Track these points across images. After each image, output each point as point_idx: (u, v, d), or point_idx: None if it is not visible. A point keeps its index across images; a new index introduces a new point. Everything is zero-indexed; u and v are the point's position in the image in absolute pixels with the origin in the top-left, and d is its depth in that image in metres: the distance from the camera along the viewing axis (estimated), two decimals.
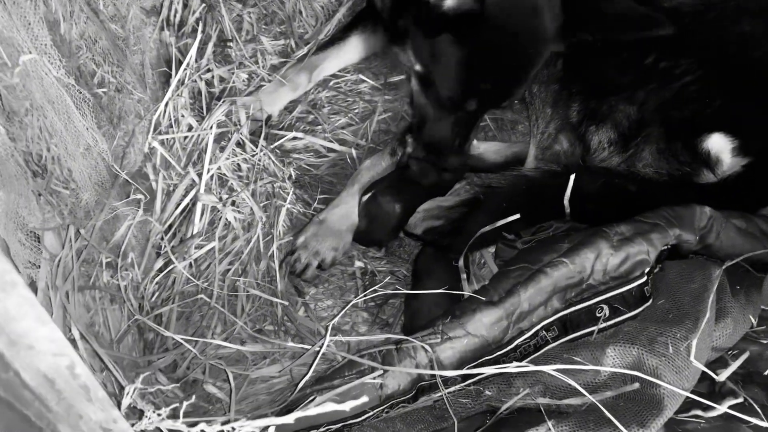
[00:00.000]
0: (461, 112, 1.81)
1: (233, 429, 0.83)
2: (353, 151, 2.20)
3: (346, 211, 1.96)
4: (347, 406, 0.95)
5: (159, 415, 0.86)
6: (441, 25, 1.63)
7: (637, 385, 1.37)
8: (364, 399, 1.19)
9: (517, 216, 1.74)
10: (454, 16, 1.59)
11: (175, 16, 2.12)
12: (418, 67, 1.81)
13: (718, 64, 1.72)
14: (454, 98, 1.77)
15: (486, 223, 1.78)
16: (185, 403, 0.89)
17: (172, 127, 1.89)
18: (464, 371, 1.37)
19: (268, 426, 0.86)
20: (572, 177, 1.69)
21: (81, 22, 1.40)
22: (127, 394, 0.91)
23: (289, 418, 0.85)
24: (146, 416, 0.87)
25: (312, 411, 0.90)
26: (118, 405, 0.96)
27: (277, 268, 1.87)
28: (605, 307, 1.54)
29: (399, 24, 1.85)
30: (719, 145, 1.73)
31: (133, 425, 0.95)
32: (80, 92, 1.24)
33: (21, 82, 1.07)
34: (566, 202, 1.71)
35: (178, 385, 1.37)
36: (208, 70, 2.12)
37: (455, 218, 1.90)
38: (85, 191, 1.33)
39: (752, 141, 1.73)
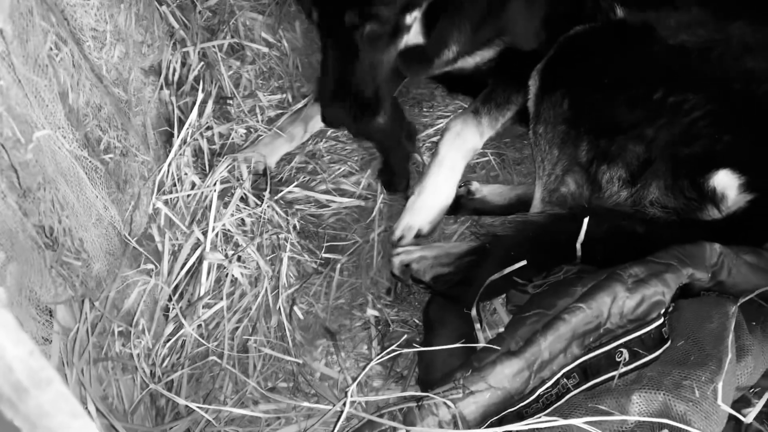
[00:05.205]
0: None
1: None
2: (360, 202, 2.21)
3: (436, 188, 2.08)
4: None
5: None
6: None
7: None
8: None
9: (523, 263, 1.72)
10: None
11: (173, 74, 2.13)
12: None
13: (724, 100, 1.74)
14: None
15: (494, 272, 1.75)
16: None
17: (175, 185, 1.88)
18: (492, 430, 1.34)
19: None
20: (585, 220, 1.68)
21: (86, 90, 1.39)
22: None
23: None
24: None
25: None
26: None
27: (286, 324, 1.84)
28: (624, 350, 1.52)
29: None
30: (725, 181, 1.73)
31: None
32: (91, 162, 1.23)
33: (34, 158, 1.05)
34: (578, 245, 1.70)
35: None
36: (209, 128, 2.11)
37: (464, 267, 1.88)
38: (97, 261, 1.30)
39: (759, 178, 1.73)
